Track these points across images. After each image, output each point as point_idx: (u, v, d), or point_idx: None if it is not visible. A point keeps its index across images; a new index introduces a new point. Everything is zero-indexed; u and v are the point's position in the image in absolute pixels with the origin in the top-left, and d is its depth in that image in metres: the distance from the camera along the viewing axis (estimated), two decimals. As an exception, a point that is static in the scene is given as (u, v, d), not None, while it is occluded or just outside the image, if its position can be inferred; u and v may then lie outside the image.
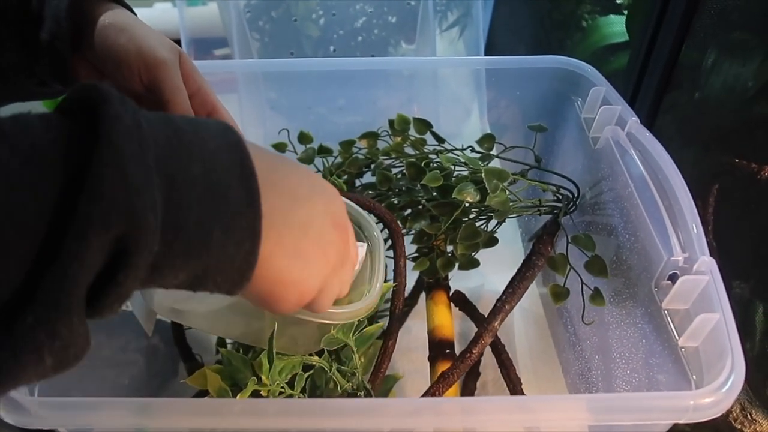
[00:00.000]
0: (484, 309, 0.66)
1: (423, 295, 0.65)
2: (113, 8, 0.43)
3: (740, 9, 0.60)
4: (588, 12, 1.13)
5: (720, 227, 0.63)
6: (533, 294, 0.79)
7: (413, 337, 0.71)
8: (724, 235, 0.62)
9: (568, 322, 0.63)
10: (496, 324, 0.46)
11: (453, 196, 0.50)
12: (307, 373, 0.48)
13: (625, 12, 1.03)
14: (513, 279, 0.50)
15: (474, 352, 0.45)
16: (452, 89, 0.88)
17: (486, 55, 0.91)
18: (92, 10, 0.42)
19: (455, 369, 0.44)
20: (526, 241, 0.76)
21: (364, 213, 0.49)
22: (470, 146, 0.61)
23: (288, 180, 0.31)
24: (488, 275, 0.79)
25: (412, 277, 0.65)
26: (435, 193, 0.57)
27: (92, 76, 0.45)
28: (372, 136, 0.63)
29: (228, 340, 0.67)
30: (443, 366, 0.53)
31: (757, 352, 0.61)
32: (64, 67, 0.43)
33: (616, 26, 0.94)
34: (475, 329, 0.63)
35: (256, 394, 0.46)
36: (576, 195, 0.56)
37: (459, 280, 0.65)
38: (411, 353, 0.70)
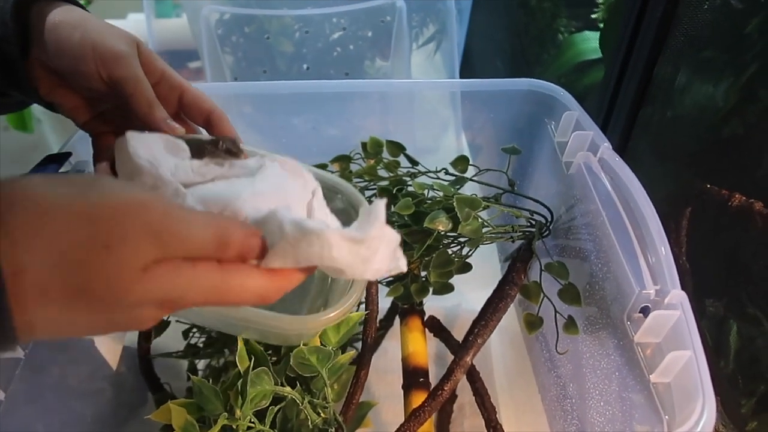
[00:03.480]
0: (462, 328, 0.65)
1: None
2: (62, 6, 0.41)
3: (712, 28, 0.60)
4: (564, 26, 1.13)
5: (693, 246, 0.63)
6: (510, 312, 0.79)
7: (389, 358, 0.70)
8: (697, 255, 0.63)
9: (543, 347, 0.62)
10: (468, 359, 0.45)
11: (425, 225, 0.49)
12: (278, 406, 0.47)
13: (601, 25, 1.04)
14: (485, 310, 0.50)
15: (446, 389, 0.44)
16: (428, 104, 0.88)
17: (462, 69, 0.90)
18: (40, 10, 0.40)
19: (427, 407, 0.44)
20: (503, 260, 0.76)
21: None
22: (444, 168, 0.61)
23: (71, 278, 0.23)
24: (465, 293, 0.78)
25: (387, 299, 0.64)
26: (407, 219, 0.56)
27: (50, 79, 0.43)
28: (345, 159, 0.62)
29: (200, 366, 0.66)
30: (417, 395, 0.52)
31: (731, 370, 0.61)
32: (16, 72, 0.41)
33: (590, 42, 0.94)
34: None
35: (225, 429, 0.45)
36: (550, 220, 0.56)
37: (435, 299, 0.64)
38: (387, 375, 0.68)
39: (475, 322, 0.64)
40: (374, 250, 0.30)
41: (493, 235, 0.52)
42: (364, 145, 0.62)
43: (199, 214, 0.27)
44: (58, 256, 0.23)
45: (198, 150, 0.37)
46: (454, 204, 0.48)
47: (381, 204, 0.30)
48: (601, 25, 1.01)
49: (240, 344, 0.47)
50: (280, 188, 0.36)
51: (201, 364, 0.66)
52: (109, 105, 0.45)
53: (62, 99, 0.43)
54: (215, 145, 0.37)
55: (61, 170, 0.47)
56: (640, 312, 0.41)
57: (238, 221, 0.29)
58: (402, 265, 0.32)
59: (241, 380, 0.42)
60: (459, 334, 0.65)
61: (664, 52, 0.59)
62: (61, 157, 0.48)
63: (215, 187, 0.35)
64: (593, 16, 1.02)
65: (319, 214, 0.37)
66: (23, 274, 0.22)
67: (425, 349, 0.57)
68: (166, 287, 0.25)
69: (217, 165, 0.37)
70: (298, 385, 0.48)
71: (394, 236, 0.31)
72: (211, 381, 0.50)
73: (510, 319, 0.77)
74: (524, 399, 0.67)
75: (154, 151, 0.36)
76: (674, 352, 0.36)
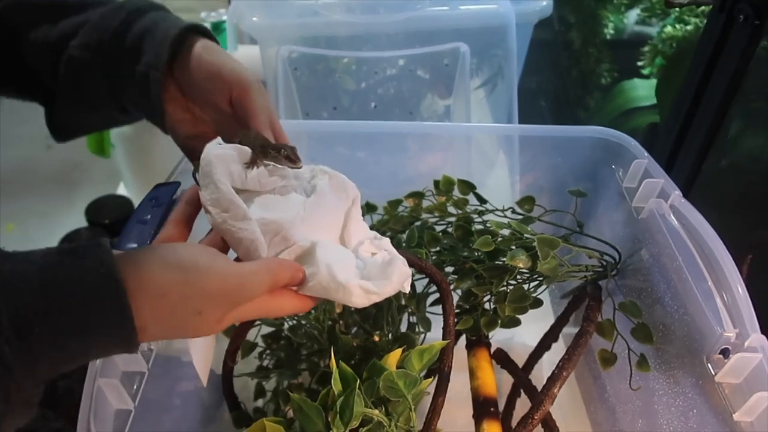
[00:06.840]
0: (515, 361, 0.68)
1: (456, 346, 0.67)
2: (204, 40, 0.48)
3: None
4: (607, 70, 1.18)
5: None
6: (559, 344, 0.81)
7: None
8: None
9: (606, 382, 0.65)
10: (555, 390, 0.48)
11: (506, 262, 0.52)
12: (366, 428, 0.49)
13: (645, 72, 1.08)
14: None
15: (536, 417, 0.47)
16: (480, 140, 0.92)
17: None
18: (190, 43, 0.48)
19: (519, 435, 0.46)
20: (558, 297, 0.79)
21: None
22: (511, 207, 0.64)
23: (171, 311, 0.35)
24: (517, 327, 0.81)
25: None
26: (481, 254, 0.59)
27: (177, 100, 0.50)
28: (418, 195, 0.65)
29: (268, 388, 0.69)
30: (489, 425, 0.55)
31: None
32: (154, 95, 0.47)
33: (639, 90, 0.99)
34: (510, 379, 0.66)
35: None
36: (617, 260, 0.59)
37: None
38: (446, 403, 0.71)
39: (534, 356, 0.67)
40: (384, 296, 0.41)
41: (568, 274, 0.55)
42: (436, 183, 0.65)
43: (260, 268, 0.38)
44: (167, 321, 0.35)
45: (263, 152, 0.45)
46: (536, 243, 0.51)
47: (399, 262, 0.42)
48: (647, 72, 1.05)
49: (333, 367, 0.49)
50: (326, 206, 0.45)
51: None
52: (214, 129, 0.51)
53: (174, 110, 0.50)
54: (278, 150, 0.45)
55: (175, 197, 0.50)
56: (719, 353, 0.44)
57: (287, 263, 0.40)
58: (406, 288, 0.43)
59: (341, 400, 0.45)
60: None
61: (734, 105, 0.62)
62: (170, 186, 0.52)
63: (274, 204, 0.45)
64: (639, 63, 1.06)
65: (354, 220, 0.46)
66: (145, 330, 0.34)
67: (494, 380, 0.59)
68: (232, 321, 0.38)
69: (278, 177, 0.46)
70: (384, 408, 0.50)
71: (409, 272, 0.43)
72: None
73: (557, 346, 0.80)
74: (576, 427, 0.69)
75: (229, 162, 0.43)
76: (759, 393, 0.39)
